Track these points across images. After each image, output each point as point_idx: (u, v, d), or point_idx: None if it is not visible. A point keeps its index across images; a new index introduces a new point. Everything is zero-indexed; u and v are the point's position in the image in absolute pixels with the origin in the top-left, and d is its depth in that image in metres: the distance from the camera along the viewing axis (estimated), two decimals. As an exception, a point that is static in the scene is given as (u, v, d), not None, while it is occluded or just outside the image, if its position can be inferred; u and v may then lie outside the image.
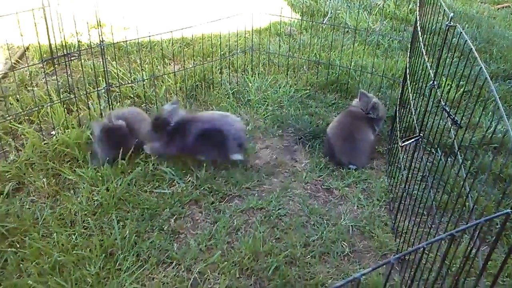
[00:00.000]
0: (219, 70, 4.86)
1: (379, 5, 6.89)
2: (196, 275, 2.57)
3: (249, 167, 3.50)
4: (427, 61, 2.73)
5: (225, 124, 3.43)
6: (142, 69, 4.59)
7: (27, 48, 5.12)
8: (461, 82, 4.11)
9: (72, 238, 2.74)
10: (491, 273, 2.55)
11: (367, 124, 3.68)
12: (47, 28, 4.14)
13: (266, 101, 4.39)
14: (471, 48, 1.97)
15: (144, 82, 4.38)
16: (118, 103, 4.13)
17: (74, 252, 2.62)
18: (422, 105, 2.71)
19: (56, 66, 4.50)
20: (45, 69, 4.54)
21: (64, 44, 4.19)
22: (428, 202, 2.44)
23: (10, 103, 3.99)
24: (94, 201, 3.03)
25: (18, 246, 2.68)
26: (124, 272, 2.54)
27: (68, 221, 2.89)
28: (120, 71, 4.52)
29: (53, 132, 3.68)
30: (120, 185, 3.14)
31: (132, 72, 4.53)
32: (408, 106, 3.06)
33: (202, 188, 3.22)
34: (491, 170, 3.47)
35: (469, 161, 3.30)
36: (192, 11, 6.04)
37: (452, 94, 4.18)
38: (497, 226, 2.86)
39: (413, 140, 2.65)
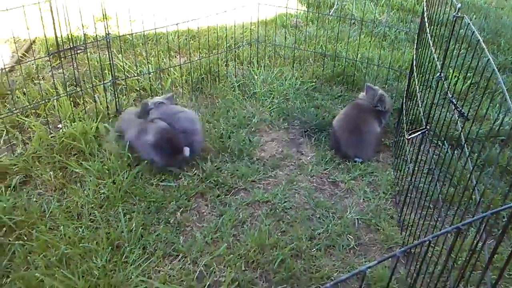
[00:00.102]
0: (225, 63, 4.85)
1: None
2: (202, 268, 2.58)
3: (255, 160, 3.50)
4: (434, 53, 2.70)
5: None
6: (148, 62, 4.59)
7: (34, 41, 5.13)
8: (468, 74, 4.08)
9: (79, 231, 2.76)
10: (497, 266, 2.54)
11: (374, 117, 3.66)
12: (53, 21, 4.15)
13: (272, 93, 4.38)
14: (479, 39, 1.95)
15: (150, 75, 4.38)
16: (124, 96, 4.14)
17: (81, 244, 2.64)
18: (429, 97, 2.69)
19: (62, 59, 4.51)
20: (52, 62, 4.55)
21: (70, 37, 4.20)
22: (435, 195, 2.43)
23: (17, 96, 4.01)
24: (101, 194, 3.05)
25: (25, 238, 2.70)
26: (131, 265, 2.55)
27: (75, 214, 2.91)
28: (126, 64, 4.52)
29: (60, 125, 3.70)
30: (127, 178, 3.15)
31: (138, 65, 4.54)
32: (415, 98, 3.04)
33: (208, 181, 3.23)
34: (498, 163, 3.45)
35: (476, 154, 3.28)
36: (197, 3, 6.02)
37: (459, 86, 4.15)
38: (503, 219, 2.84)
39: (419, 132, 2.63)
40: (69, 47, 4.22)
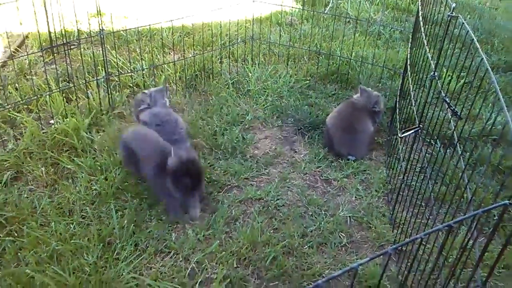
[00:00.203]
0: (219, 60, 4.84)
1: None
2: (194, 265, 2.57)
3: (248, 158, 3.49)
4: (428, 52, 2.71)
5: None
6: (141, 58, 4.57)
7: (27, 36, 5.10)
8: (462, 73, 4.09)
9: (70, 227, 2.74)
10: (487, 264, 2.55)
11: (367, 115, 3.67)
12: (47, 16, 4.12)
13: (266, 91, 4.37)
14: (473, 39, 1.95)
15: (143, 72, 4.36)
16: (118, 93, 4.12)
17: (72, 241, 2.62)
18: (423, 96, 2.70)
19: (55, 54, 4.48)
20: (44, 57, 4.52)
21: (63, 32, 4.18)
22: (427, 193, 2.43)
23: (9, 91, 3.98)
24: (93, 191, 3.03)
25: (16, 235, 2.68)
26: (122, 262, 2.54)
27: (66, 210, 2.90)
28: (120, 60, 4.50)
29: (52, 121, 3.68)
30: (119, 174, 3.14)
31: (131, 61, 4.52)
32: (408, 97, 3.05)
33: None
34: (490, 162, 3.46)
35: (468, 153, 3.30)
36: (192, 0, 6.00)
37: (453, 85, 4.16)
38: (494, 218, 2.86)
39: (412, 131, 2.64)
40: (62, 42, 4.18)
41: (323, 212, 3.01)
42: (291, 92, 4.37)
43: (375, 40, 5.41)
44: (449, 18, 2.29)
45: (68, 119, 3.58)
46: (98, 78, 4.04)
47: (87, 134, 3.50)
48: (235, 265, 2.59)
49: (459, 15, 2.23)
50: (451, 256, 2.49)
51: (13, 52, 4.66)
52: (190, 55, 4.59)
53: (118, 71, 4.26)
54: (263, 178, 3.31)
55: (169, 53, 4.99)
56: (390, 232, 2.87)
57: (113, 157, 3.28)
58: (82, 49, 4.43)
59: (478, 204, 2.70)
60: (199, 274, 2.53)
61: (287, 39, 5.25)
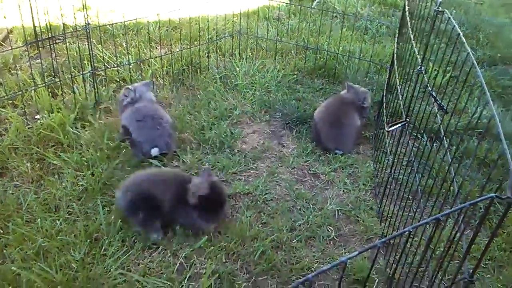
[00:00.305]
0: (207, 54, 4.81)
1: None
2: (182, 260, 2.56)
3: (236, 152, 3.49)
4: (415, 47, 2.72)
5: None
6: (128, 53, 4.52)
7: (11, 30, 5.02)
8: (448, 68, 4.12)
9: (57, 224, 2.71)
10: (474, 256, 2.58)
11: (354, 110, 3.68)
12: (31, 10, 4.06)
13: (253, 85, 4.36)
14: (459, 34, 1.96)
15: (130, 66, 4.32)
16: (104, 87, 4.08)
17: (58, 237, 2.60)
18: (409, 90, 2.71)
19: (40, 49, 4.43)
20: (29, 52, 4.46)
21: (48, 26, 4.12)
22: (414, 186, 2.45)
23: (-8, 86, 3.92)
24: (79, 186, 3.00)
25: (1, 231, 2.64)
26: (110, 258, 2.52)
27: (53, 206, 2.86)
28: (106, 54, 4.45)
29: (37, 116, 3.63)
30: (106, 170, 3.11)
31: (118, 55, 4.47)
32: (395, 91, 3.06)
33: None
34: (476, 155, 3.50)
35: (455, 146, 3.32)
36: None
37: (439, 79, 4.19)
38: (480, 210, 2.89)
39: (399, 125, 2.65)
40: (47, 36, 4.13)
41: (311, 206, 3.02)
42: (279, 87, 4.37)
43: (362, 35, 5.42)
44: (435, 13, 2.30)
45: (53, 114, 3.54)
46: (84, 72, 4.00)
47: (73, 129, 3.46)
48: (223, 260, 2.58)
49: (445, 10, 2.25)
50: (438, 249, 2.51)
51: (-3, 46, 4.59)
52: (177, 50, 4.56)
53: (104, 65, 4.21)
54: (251, 172, 3.31)
55: (156, 48, 4.96)
56: (377, 225, 2.89)
57: (99, 152, 3.25)
58: (67, 44, 4.37)
59: (464, 197, 2.73)
60: (188, 269, 2.52)
61: (275, 33, 5.24)
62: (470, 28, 5.95)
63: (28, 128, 3.46)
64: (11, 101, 3.78)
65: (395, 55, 3.48)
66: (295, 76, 4.58)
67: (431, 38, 2.43)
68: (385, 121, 3.18)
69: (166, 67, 4.47)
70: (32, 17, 4.09)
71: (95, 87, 3.90)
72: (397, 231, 2.47)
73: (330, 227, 2.87)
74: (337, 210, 3.00)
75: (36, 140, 3.36)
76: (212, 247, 2.63)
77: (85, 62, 4.27)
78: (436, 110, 2.26)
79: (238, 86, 4.33)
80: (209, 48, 4.90)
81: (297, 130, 3.81)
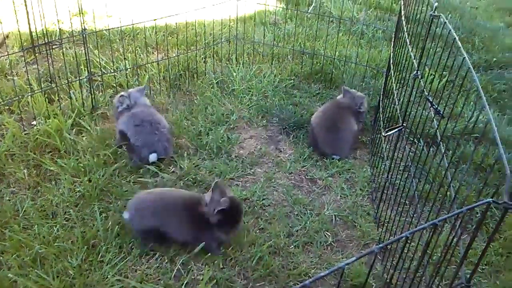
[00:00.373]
0: (203, 59, 4.82)
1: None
2: (179, 266, 2.56)
3: (233, 157, 3.49)
4: (411, 51, 2.73)
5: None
6: (125, 58, 4.52)
7: (7, 36, 5.01)
8: (444, 72, 4.14)
9: (54, 230, 2.70)
10: (471, 261, 2.59)
11: (351, 115, 3.69)
12: (28, 15, 4.05)
13: (250, 91, 4.37)
14: (455, 38, 1.97)
15: (127, 71, 4.32)
16: (101, 93, 4.07)
17: (55, 244, 2.59)
18: (406, 95, 2.72)
19: (37, 54, 4.42)
20: (26, 57, 4.45)
21: (45, 32, 4.11)
22: (411, 191, 2.46)
23: (-11, 92, 3.91)
24: (76, 192, 3.00)
25: (-2, 238, 2.64)
26: (107, 264, 2.52)
27: (50, 212, 2.86)
28: (103, 60, 4.45)
29: (34, 122, 3.62)
30: (103, 176, 3.11)
31: (114, 61, 4.47)
32: (392, 96, 3.07)
33: (186, 179, 3.20)
34: (473, 160, 3.51)
35: (451, 151, 3.33)
36: None
37: (435, 84, 4.20)
38: (477, 215, 2.90)
39: (396, 130, 2.66)
40: (44, 42, 4.12)
41: (308, 212, 3.02)
42: (276, 92, 4.37)
43: (358, 40, 5.44)
44: (431, 17, 2.32)
45: (50, 120, 3.53)
46: (80, 78, 3.99)
47: (70, 135, 3.45)
48: (221, 266, 2.58)
49: (441, 14, 2.26)
50: (435, 254, 2.52)
51: (-7, 52, 4.58)
52: (174, 55, 4.57)
53: (101, 71, 4.21)
54: (249, 178, 3.31)
55: (153, 53, 4.96)
56: (375, 230, 2.89)
57: (96, 158, 3.24)
58: (64, 49, 4.37)
59: (461, 202, 2.73)
60: (185, 275, 2.52)
61: (271, 38, 5.25)
62: (466, 33, 5.98)
63: (25, 134, 3.45)
64: (7, 107, 3.77)
65: (391, 59, 3.49)
66: (292, 81, 4.59)
67: (427, 43, 2.44)
68: (381, 126, 3.18)
69: (163, 72, 4.47)
70: (29, 23, 4.08)
71: (92, 92, 3.90)
72: (394, 237, 2.47)
73: (327, 233, 2.87)
74: (335, 215, 3.00)
75: (32, 146, 3.36)
76: (209, 253, 2.62)
77: (82, 67, 4.27)
78: (433, 115, 2.26)
79: (235, 91, 4.33)
80: (206, 53, 4.91)
81: (294, 135, 3.82)
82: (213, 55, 4.90)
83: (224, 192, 2.56)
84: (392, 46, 3.69)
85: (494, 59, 5.27)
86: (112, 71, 4.29)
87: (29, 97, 3.74)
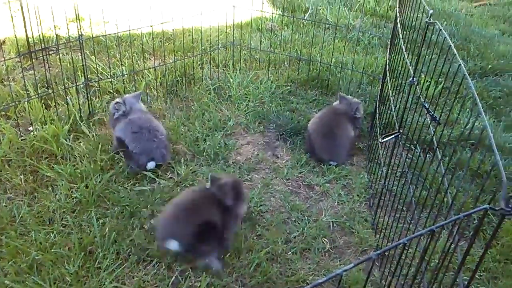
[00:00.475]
0: (200, 66, 4.83)
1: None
2: (177, 273, 2.55)
3: (231, 164, 3.49)
4: (407, 58, 2.75)
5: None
6: (121, 64, 4.53)
7: (3, 41, 5.01)
8: (440, 79, 4.16)
9: (50, 236, 2.69)
10: (469, 268, 2.59)
11: (348, 121, 3.70)
12: (24, 21, 4.06)
13: (247, 97, 4.38)
14: (450, 45, 1.99)
15: (123, 77, 4.32)
16: (97, 99, 4.07)
17: (52, 250, 2.58)
18: (402, 101, 2.73)
19: (33, 60, 4.42)
20: (22, 63, 4.45)
21: (42, 37, 4.12)
22: (408, 198, 2.46)
23: (-15, 98, 3.90)
24: (73, 198, 2.99)
25: (-6, 244, 2.63)
26: (104, 271, 2.51)
27: (46, 219, 2.85)
28: (99, 65, 4.45)
29: (31, 128, 3.62)
30: (100, 182, 3.10)
31: (111, 67, 4.47)
32: (388, 102, 3.08)
33: (183, 185, 3.20)
34: (469, 166, 3.52)
35: (448, 157, 3.35)
36: (173, 5, 5.98)
37: (431, 90, 4.23)
38: (474, 222, 2.91)
39: (392, 136, 2.67)
40: (40, 48, 4.13)
41: (306, 218, 3.02)
42: (273, 98, 4.38)
43: (354, 46, 5.46)
44: (426, 24, 2.33)
45: (47, 125, 3.53)
46: (77, 84, 3.99)
47: (66, 141, 3.45)
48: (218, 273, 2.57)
49: (436, 21, 2.27)
50: (433, 260, 2.52)
51: (-10, 57, 4.57)
52: (171, 61, 4.57)
53: (97, 77, 4.22)
54: (246, 184, 3.31)
55: (150, 59, 4.96)
56: (372, 237, 2.89)
57: (93, 164, 3.24)
58: (61, 55, 4.37)
59: (458, 209, 2.74)
60: (183, 282, 2.51)
61: (268, 45, 5.27)
62: (461, 40, 6.02)
63: (21, 140, 3.44)
64: (4, 113, 3.77)
65: (387, 66, 3.51)
66: (289, 87, 4.60)
67: (422, 50, 2.46)
68: (378, 132, 3.20)
69: (160, 78, 4.47)
70: (25, 28, 4.09)
71: (89, 98, 3.90)
72: (391, 243, 2.47)
73: (325, 239, 2.87)
74: (332, 221, 3.01)
75: (29, 152, 3.35)
76: (207, 260, 2.62)
77: (79, 73, 4.27)
78: (429, 121, 2.28)
79: (232, 97, 4.34)
80: (203, 59, 4.92)
81: (291, 141, 3.82)
82: (210, 61, 4.91)
83: (218, 178, 2.69)
84: (388, 52, 3.71)
85: (489, 66, 5.30)
86: (109, 77, 4.29)
87: (26, 102, 3.73)
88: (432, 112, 2.24)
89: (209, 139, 3.70)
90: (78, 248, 2.60)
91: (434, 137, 2.18)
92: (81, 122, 3.72)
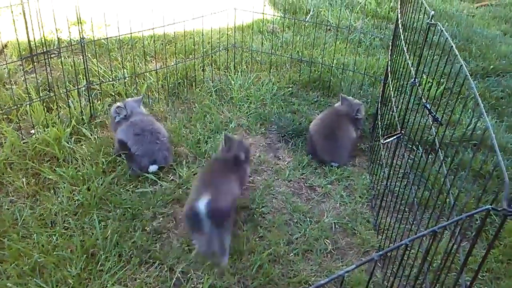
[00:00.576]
0: (202, 68, 4.83)
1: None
2: (179, 275, 2.55)
3: (232, 165, 3.48)
4: (408, 59, 2.75)
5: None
6: (123, 67, 4.54)
7: (5, 45, 5.03)
8: (441, 80, 4.16)
9: (53, 239, 2.69)
10: (471, 268, 2.59)
11: (349, 122, 3.70)
12: (26, 24, 4.07)
13: (249, 98, 4.38)
14: (452, 46, 1.98)
15: (125, 80, 4.33)
16: (99, 101, 4.08)
17: (54, 253, 2.58)
18: (404, 102, 2.73)
19: (35, 63, 4.42)
20: (24, 66, 4.46)
21: (43, 41, 4.12)
22: (410, 198, 2.46)
23: (-13, 101, 3.91)
24: (75, 201, 2.99)
25: (-4, 247, 2.63)
26: (106, 273, 2.51)
27: (49, 221, 2.85)
28: (101, 68, 4.46)
29: (33, 131, 3.62)
30: (102, 184, 3.10)
31: (113, 69, 4.48)
32: (390, 103, 3.08)
33: (184, 187, 3.20)
34: (471, 167, 3.52)
35: (450, 158, 3.34)
36: (174, 8, 5.99)
37: (433, 91, 4.22)
38: (477, 222, 2.90)
39: (394, 137, 2.67)
40: (42, 51, 4.14)
41: (308, 219, 3.02)
42: (274, 100, 4.38)
43: (356, 48, 5.47)
44: (428, 25, 2.33)
45: (49, 128, 3.54)
46: (79, 87, 4.00)
47: (68, 143, 3.45)
48: (220, 274, 2.57)
49: (438, 22, 2.27)
50: (435, 261, 2.52)
51: (-8, 61, 4.58)
52: (172, 63, 4.58)
53: (99, 79, 4.22)
54: (248, 185, 3.31)
55: (151, 62, 4.97)
56: (374, 238, 2.89)
57: (95, 166, 3.24)
58: (62, 58, 4.38)
59: (460, 209, 2.74)
60: (185, 284, 2.51)
61: (269, 47, 5.27)
62: (463, 40, 6.01)
63: (23, 143, 3.45)
64: (6, 116, 3.78)
65: (389, 67, 3.51)
66: (290, 88, 4.60)
67: (424, 51, 2.46)
68: (380, 134, 3.19)
69: (161, 80, 4.48)
70: (27, 32, 4.09)
71: (90, 101, 3.91)
72: (394, 244, 2.47)
73: (327, 240, 2.86)
74: (334, 223, 3.00)
75: (31, 155, 3.35)
76: (209, 262, 2.62)
77: (80, 76, 4.28)
78: (431, 122, 2.27)
79: (234, 99, 4.34)
80: (204, 61, 4.92)
81: (292, 142, 3.82)
82: (211, 64, 4.92)
83: (230, 138, 3.07)
84: (389, 54, 3.71)
85: (491, 66, 5.29)
86: (110, 79, 4.29)
87: (28, 106, 3.74)
88: (434, 113, 2.24)
89: (211, 141, 3.70)
90: (80, 250, 2.60)
91: (436, 137, 2.18)
92: (83, 125, 3.73)
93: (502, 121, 4.25)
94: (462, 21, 6.81)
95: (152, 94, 4.35)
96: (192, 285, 2.51)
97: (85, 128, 3.67)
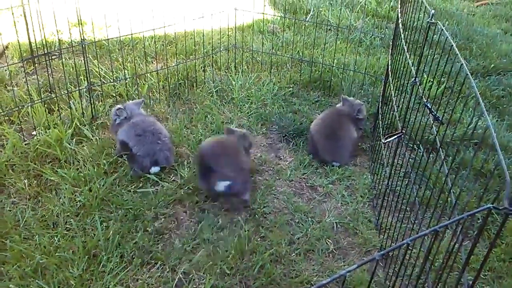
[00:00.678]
0: (202, 68, 4.83)
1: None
2: (181, 275, 2.55)
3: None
4: (409, 58, 2.75)
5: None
6: (124, 68, 4.54)
7: (7, 47, 5.03)
8: (442, 79, 4.16)
9: (55, 240, 2.70)
10: (473, 267, 2.58)
11: (350, 122, 3.70)
12: (27, 26, 4.08)
13: (249, 99, 4.38)
14: (452, 45, 1.99)
15: (126, 81, 4.33)
16: (100, 103, 4.08)
17: (56, 254, 2.59)
18: (404, 102, 2.73)
19: (36, 65, 4.43)
20: (25, 68, 4.47)
21: (44, 42, 4.13)
22: (411, 198, 2.46)
23: (-11, 103, 3.92)
24: (77, 202, 3.00)
25: (-1, 249, 2.64)
26: (108, 274, 2.51)
27: (50, 222, 2.85)
28: (102, 69, 4.47)
29: (34, 133, 3.63)
30: (103, 185, 3.11)
31: (114, 70, 4.49)
32: (391, 103, 3.08)
33: (186, 188, 3.20)
34: (473, 166, 3.51)
35: (451, 157, 3.34)
36: (174, 9, 6.00)
37: (434, 90, 4.22)
38: (478, 221, 2.90)
39: (395, 136, 2.67)
40: (43, 52, 4.14)
41: (309, 219, 3.02)
42: (275, 100, 4.39)
43: (356, 47, 5.47)
44: (428, 24, 2.33)
45: (50, 130, 3.54)
46: (80, 88, 4.01)
47: (70, 145, 3.46)
48: (222, 275, 2.57)
49: (438, 21, 2.27)
50: (437, 260, 2.52)
51: (-7, 63, 4.59)
52: (173, 64, 4.59)
53: (100, 80, 4.23)
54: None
55: (152, 62, 4.98)
56: (376, 237, 2.89)
57: (97, 167, 3.25)
58: (63, 59, 4.39)
59: (462, 208, 2.74)
60: (187, 284, 2.51)
61: (270, 47, 5.28)
62: (463, 39, 6.01)
63: (25, 144, 3.45)
64: (7, 118, 3.78)
65: (389, 67, 3.51)
66: (291, 88, 4.60)
67: (424, 50, 2.46)
68: (381, 133, 3.19)
69: (162, 81, 4.48)
70: (28, 33, 4.10)
71: (92, 102, 3.91)
72: (395, 243, 2.47)
73: (328, 240, 2.86)
74: (336, 222, 3.00)
75: (33, 156, 3.36)
76: (211, 262, 2.62)
77: (81, 77, 4.29)
78: (432, 121, 2.27)
79: (234, 100, 4.35)
80: (205, 62, 4.93)
81: (294, 142, 3.82)
82: (212, 64, 4.92)
83: (231, 129, 3.38)
84: (390, 53, 3.71)
85: (492, 65, 5.29)
86: (111, 80, 4.30)
87: (29, 107, 3.75)
88: (435, 112, 2.24)
89: (212, 141, 3.69)
90: (82, 251, 2.61)
91: (437, 137, 2.18)
92: (84, 126, 3.73)
93: (503, 120, 4.25)
94: (463, 20, 6.81)
95: (153, 95, 4.35)
96: (194, 286, 2.51)
97: (87, 129, 3.68)
